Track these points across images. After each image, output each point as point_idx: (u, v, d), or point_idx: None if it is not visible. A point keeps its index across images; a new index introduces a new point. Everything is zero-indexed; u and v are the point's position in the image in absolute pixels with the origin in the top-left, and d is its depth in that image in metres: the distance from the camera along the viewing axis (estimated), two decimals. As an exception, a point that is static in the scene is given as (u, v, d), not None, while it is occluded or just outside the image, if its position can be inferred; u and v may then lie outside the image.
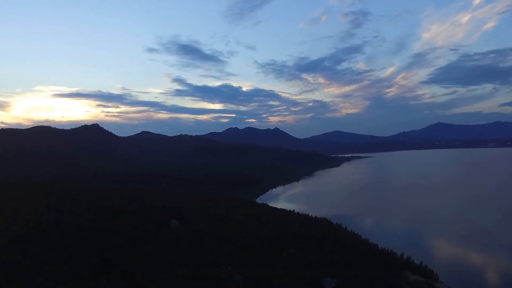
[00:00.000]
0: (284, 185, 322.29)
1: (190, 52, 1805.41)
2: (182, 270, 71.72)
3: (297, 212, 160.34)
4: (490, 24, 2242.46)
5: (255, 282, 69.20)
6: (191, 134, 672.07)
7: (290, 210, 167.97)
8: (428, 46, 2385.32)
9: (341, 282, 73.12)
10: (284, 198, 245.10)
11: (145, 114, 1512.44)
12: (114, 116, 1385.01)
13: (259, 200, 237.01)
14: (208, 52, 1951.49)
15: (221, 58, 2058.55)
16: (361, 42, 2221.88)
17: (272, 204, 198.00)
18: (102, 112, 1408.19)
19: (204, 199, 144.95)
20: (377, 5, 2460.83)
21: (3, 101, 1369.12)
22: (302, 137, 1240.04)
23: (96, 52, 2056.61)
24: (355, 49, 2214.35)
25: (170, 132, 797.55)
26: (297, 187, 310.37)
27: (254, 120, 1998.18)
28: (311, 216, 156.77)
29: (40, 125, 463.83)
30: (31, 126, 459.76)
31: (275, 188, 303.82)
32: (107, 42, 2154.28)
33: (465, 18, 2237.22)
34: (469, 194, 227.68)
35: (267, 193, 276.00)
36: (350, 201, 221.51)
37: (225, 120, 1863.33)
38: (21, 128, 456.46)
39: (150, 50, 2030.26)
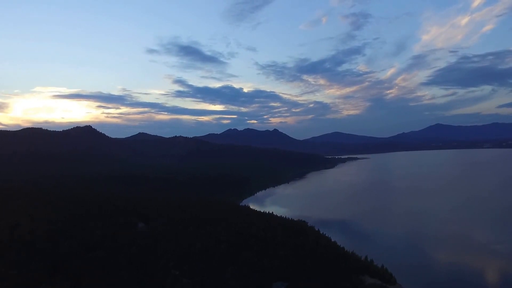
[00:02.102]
0: (274, 187, 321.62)
1: (191, 53, 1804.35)
2: (129, 273, 71.24)
3: (275, 215, 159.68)
4: (488, 27, 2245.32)
5: (201, 286, 68.60)
6: (193, 136, 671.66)
7: (268, 212, 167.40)
8: (428, 48, 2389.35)
9: (291, 286, 72.47)
10: (269, 200, 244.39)
11: (146, 115, 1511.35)
12: (114, 117, 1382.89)
13: (245, 201, 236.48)
14: (208, 53, 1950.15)
15: (221, 59, 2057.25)
16: (362, 43, 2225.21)
17: (255, 206, 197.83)
18: (103, 113, 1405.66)
19: (179, 203, 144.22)
20: (377, 7, 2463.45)
21: (1, 102, 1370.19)
22: (301, 139, 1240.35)
23: (96, 53, 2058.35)
24: (356, 51, 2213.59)
25: (171, 134, 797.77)
26: (286, 189, 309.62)
27: (255, 121, 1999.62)
28: (288, 218, 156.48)
29: (30, 127, 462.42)
30: (21, 128, 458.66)
31: (264, 190, 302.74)
32: (107, 43, 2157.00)
33: (464, 20, 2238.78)
34: (450, 195, 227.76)
35: (255, 195, 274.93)
36: (332, 203, 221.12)
37: (226, 121, 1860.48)
38: (11, 130, 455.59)
39: (151, 51, 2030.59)
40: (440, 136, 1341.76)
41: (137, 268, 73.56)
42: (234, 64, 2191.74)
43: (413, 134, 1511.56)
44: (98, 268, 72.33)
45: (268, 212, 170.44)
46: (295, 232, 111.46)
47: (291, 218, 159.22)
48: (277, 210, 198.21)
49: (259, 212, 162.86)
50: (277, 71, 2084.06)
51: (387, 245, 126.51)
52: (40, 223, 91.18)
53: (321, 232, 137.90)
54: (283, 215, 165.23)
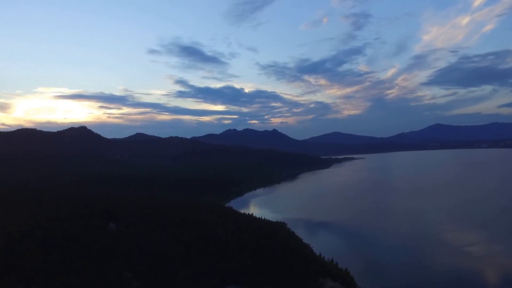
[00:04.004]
0: (264, 187, 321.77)
1: (192, 53, 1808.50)
2: (80, 276, 71.20)
3: (254, 216, 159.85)
4: (489, 27, 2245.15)
5: (150, 289, 68.52)
6: (192, 136, 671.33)
7: (248, 213, 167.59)
8: (428, 48, 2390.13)
9: (243, 289, 72.36)
10: (255, 201, 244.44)
11: (147, 115, 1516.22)
12: (116, 117, 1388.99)
13: (232, 202, 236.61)
14: (209, 53, 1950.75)
15: (222, 59, 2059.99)
16: (362, 44, 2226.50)
17: (239, 207, 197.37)
18: (105, 113, 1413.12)
19: (155, 204, 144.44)
20: (378, 7, 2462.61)
21: (4, 102, 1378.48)
22: (301, 139, 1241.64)
23: (98, 53, 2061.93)
24: (356, 51, 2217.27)
25: (172, 134, 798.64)
26: (275, 190, 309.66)
27: (256, 122, 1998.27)
28: (266, 220, 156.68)
29: (25, 127, 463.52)
30: (16, 129, 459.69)
31: (254, 190, 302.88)
32: (109, 44, 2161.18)
33: (465, 20, 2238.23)
34: (434, 195, 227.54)
35: (243, 196, 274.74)
36: (319, 204, 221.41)
37: (228, 121, 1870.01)
38: (6, 131, 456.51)
39: (152, 51, 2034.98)
40: (439, 136, 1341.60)
41: (91, 270, 73.46)
42: (235, 65, 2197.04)
43: (412, 134, 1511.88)
44: (51, 270, 72.31)
45: (248, 213, 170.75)
46: (265, 234, 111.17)
47: (270, 220, 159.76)
48: (259, 211, 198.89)
49: (239, 213, 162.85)
50: (278, 71, 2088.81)
51: (360, 247, 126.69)
52: (2, 224, 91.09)
53: (296, 234, 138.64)
54: (263, 217, 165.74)
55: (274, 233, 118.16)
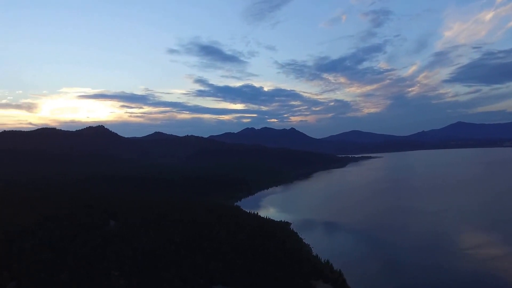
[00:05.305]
0: (276, 186, 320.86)
1: (211, 53, 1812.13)
2: (70, 275, 72.57)
3: (259, 216, 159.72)
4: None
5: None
6: (210, 135, 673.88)
7: (253, 213, 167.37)
8: (450, 44, 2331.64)
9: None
10: (265, 201, 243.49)
11: (167, 114, 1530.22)
12: (137, 116, 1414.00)
13: (242, 202, 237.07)
14: (228, 52, 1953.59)
15: (241, 58, 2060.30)
16: (382, 41, 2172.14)
17: (247, 207, 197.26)
18: (126, 112, 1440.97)
19: (157, 202, 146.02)
20: (398, 3, 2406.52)
21: (30, 102, 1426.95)
22: (319, 137, 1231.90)
23: (118, 54, 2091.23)
24: (376, 48, 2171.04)
25: (192, 133, 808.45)
26: (287, 189, 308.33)
27: (275, 120, 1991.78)
28: (271, 219, 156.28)
29: (45, 127, 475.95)
30: (35, 128, 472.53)
31: (266, 189, 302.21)
32: (128, 44, 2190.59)
33: (488, 15, 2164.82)
34: (444, 196, 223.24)
35: (254, 195, 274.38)
36: (327, 204, 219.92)
37: (247, 120, 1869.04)
38: (26, 130, 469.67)
39: (171, 51, 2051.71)
40: (461, 134, 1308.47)
41: (81, 269, 74.83)
42: (254, 63, 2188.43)
43: (433, 132, 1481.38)
44: (43, 268, 73.99)
45: (254, 212, 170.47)
46: (263, 234, 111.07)
47: (273, 220, 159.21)
48: (267, 211, 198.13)
49: (242, 212, 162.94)
50: (297, 69, 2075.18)
51: (362, 249, 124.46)
52: (3, 223, 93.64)
53: (298, 234, 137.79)
54: (268, 216, 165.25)
55: (273, 233, 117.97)
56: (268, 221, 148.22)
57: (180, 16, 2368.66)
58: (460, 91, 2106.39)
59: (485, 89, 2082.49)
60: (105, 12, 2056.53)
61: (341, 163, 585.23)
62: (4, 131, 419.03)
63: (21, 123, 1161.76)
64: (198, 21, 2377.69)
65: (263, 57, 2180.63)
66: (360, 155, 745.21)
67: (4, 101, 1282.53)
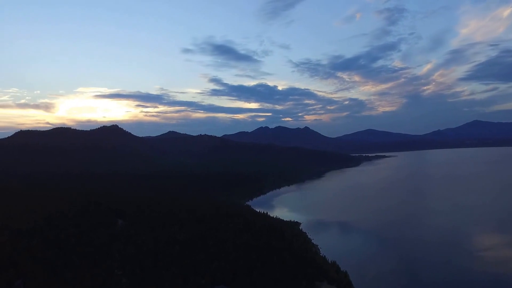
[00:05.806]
0: (288, 186, 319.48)
1: (225, 52, 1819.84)
2: (74, 273, 72.93)
3: (269, 215, 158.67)
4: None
5: (138, 287, 69.30)
6: (224, 134, 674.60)
7: (263, 212, 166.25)
8: (466, 42, 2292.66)
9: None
10: (276, 200, 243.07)
11: (182, 113, 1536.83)
12: (153, 115, 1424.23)
13: (254, 201, 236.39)
14: (242, 52, 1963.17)
15: (255, 57, 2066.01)
16: (397, 39, 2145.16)
17: (257, 206, 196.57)
18: (141, 112, 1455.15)
19: (164, 200, 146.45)
20: (413, 1, 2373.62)
21: (48, 102, 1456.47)
22: (334, 136, 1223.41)
23: (134, 54, 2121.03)
24: (391, 47, 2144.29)
25: (208, 132, 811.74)
26: (299, 189, 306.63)
27: (290, 119, 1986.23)
28: (280, 219, 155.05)
29: (60, 126, 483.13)
30: (52, 128, 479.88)
31: (278, 189, 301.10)
32: (144, 44, 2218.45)
33: (506, 12, 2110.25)
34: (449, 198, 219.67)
35: (266, 194, 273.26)
36: (338, 204, 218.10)
37: (261, 119, 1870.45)
38: (43, 129, 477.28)
39: (186, 50, 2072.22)
40: (478, 133, 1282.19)
41: (85, 267, 75.16)
42: (268, 62, 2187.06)
43: (449, 131, 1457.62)
44: (48, 266, 74.57)
45: (263, 212, 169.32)
46: (270, 234, 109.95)
47: (283, 219, 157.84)
48: (276, 210, 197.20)
49: (250, 211, 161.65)
50: (311, 68, 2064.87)
51: (372, 250, 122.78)
52: (15, 221, 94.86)
53: (307, 234, 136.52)
54: (278, 216, 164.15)
55: (282, 233, 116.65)
56: (276, 221, 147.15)
57: (195, 16, 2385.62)
58: (476, 89, 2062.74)
59: (503, 87, 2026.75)
60: (121, 13, 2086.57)
61: (355, 162, 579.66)
62: (21, 130, 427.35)
63: (39, 123, 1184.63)
64: (212, 21, 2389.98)
65: (277, 56, 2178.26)
66: (374, 154, 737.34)
67: (22, 101, 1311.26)
